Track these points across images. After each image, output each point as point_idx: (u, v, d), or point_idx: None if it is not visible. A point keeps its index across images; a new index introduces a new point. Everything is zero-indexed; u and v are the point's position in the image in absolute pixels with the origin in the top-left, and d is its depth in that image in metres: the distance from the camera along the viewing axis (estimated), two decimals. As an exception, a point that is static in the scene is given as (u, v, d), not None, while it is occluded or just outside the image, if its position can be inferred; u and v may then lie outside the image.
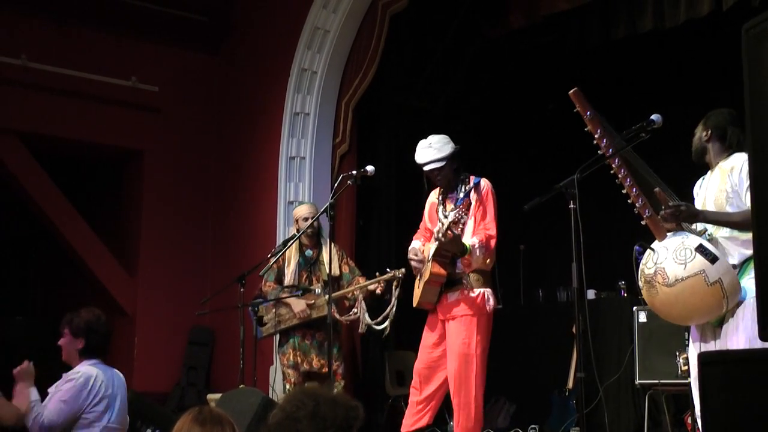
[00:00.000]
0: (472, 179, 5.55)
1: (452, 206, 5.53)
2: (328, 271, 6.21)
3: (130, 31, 8.93)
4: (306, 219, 6.90)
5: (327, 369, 6.51)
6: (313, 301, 6.81)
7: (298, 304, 6.80)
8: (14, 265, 9.94)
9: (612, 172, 4.38)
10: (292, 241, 6.72)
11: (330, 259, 6.21)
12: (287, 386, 6.83)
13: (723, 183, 4.37)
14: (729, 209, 4.29)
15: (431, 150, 5.53)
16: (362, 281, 6.82)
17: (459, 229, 5.39)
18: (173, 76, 9.16)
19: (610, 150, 4.37)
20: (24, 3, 8.38)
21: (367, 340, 7.87)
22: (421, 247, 5.68)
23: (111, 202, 9.53)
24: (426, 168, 5.56)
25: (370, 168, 5.80)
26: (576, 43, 7.87)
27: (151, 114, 9.04)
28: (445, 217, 5.52)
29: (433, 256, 5.42)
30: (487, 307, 5.44)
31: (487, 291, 5.46)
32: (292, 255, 6.93)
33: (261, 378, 7.25)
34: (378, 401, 7.85)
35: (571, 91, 4.44)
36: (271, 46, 8.77)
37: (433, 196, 5.79)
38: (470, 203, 5.46)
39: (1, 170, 8.49)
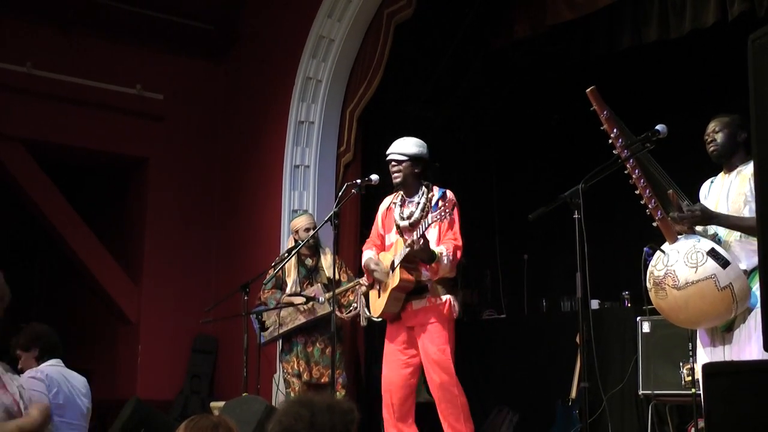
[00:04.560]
0: (437, 189, 5.61)
1: (412, 210, 5.58)
2: (328, 274, 6.24)
3: (136, 40, 8.95)
4: (307, 230, 6.93)
5: (327, 378, 6.52)
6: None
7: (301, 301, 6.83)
8: (18, 273, 9.92)
9: (626, 172, 4.36)
10: (295, 251, 6.73)
11: (333, 262, 6.30)
12: (291, 394, 6.82)
13: (742, 186, 4.36)
14: (746, 213, 4.28)
15: (399, 143, 5.64)
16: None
17: (428, 232, 5.41)
18: (178, 85, 9.17)
19: (626, 150, 4.35)
20: (30, 11, 8.40)
21: (370, 350, 7.84)
22: (376, 257, 5.74)
23: (115, 210, 9.53)
24: (387, 157, 5.66)
25: (374, 177, 5.80)
26: (581, 53, 7.86)
27: (156, 122, 9.06)
28: (402, 219, 5.61)
29: (402, 262, 5.46)
30: (453, 314, 5.56)
31: (452, 298, 5.56)
32: (291, 266, 6.95)
33: (264, 386, 7.24)
34: (379, 413, 7.81)
35: (589, 89, 4.42)
36: (276, 54, 8.78)
37: (386, 202, 5.87)
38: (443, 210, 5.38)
39: (5, 178, 8.51)
